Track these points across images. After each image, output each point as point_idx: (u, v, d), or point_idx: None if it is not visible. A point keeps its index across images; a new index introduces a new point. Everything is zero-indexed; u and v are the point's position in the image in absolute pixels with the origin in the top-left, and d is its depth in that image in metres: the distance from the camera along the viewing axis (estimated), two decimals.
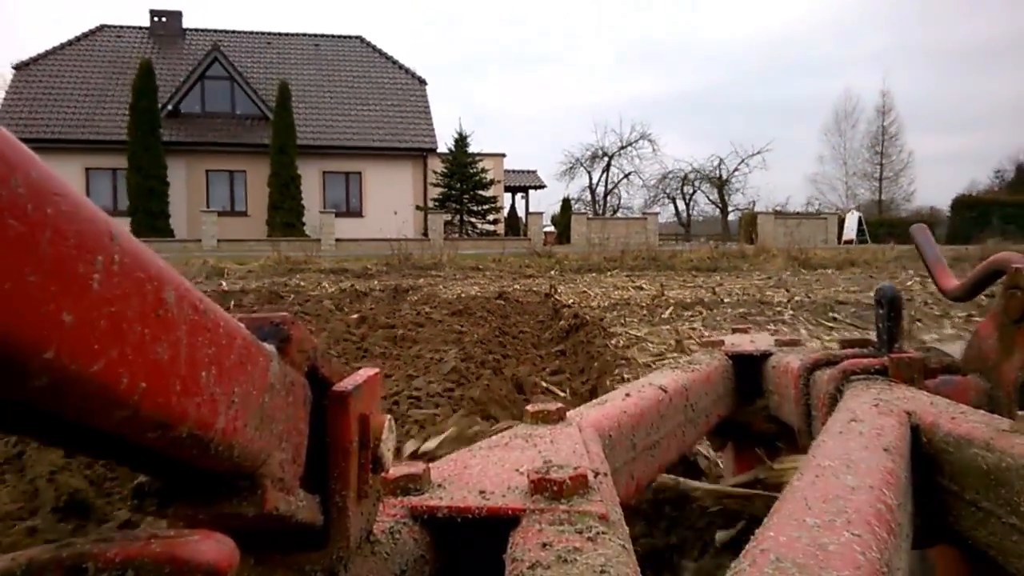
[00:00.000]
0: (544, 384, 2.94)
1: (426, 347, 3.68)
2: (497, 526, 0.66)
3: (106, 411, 0.31)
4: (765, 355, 1.62)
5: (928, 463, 0.93)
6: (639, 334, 4.29)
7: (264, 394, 0.43)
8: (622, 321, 4.91)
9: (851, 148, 51.56)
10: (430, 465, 0.77)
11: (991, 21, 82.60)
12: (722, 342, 1.72)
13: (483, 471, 0.78)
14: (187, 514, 0.44)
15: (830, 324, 4.76)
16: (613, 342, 3.87)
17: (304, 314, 5.40)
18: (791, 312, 5.34)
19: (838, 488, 0.72)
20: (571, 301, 6.38)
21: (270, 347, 0.45)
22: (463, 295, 7.31)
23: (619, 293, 7.45)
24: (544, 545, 0.60)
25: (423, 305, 5.99)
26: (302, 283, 9.75)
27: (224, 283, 9.70)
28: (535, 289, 7.93)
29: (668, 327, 4.61)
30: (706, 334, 4.08)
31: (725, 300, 6.39)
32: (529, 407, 1.01)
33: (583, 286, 8.61)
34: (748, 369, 1.63)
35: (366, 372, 0.58)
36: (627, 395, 1.21)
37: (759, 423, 1.65)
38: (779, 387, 1.52)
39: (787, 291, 7.30)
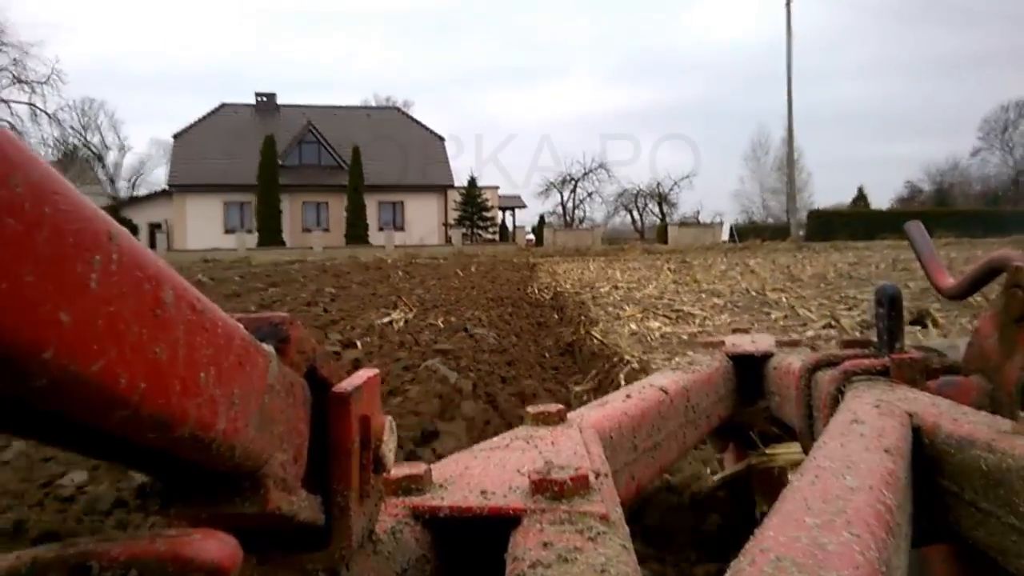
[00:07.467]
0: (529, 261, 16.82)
1: (499, 269, 17.73)
2: (498, 526, 0.67)
3: (106, 411, 0.30)
4: (766, 356, 1.61)
5: (930, 464, 0.93)
6: (550, 264, 18.45)
7: (264, 395, 0.43)
8: (543, 265, 18.99)
9: (764, 170, 66.33)
10: (431, 466, 0.77)
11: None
12: (723, 343, 1.71)
13: (484, 472, 0.78)
14: (189, 514, 0.43)
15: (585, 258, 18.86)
16: (546, 269, 17.72)
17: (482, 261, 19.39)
18: (596, 256, 19.40)
19: (838, 488, 0.71)
20: (533, 263, 20.46)
21: (269, 348, 0.45)
22: (496, 260, 21.29)
23: (550, 262, 21.64)
24: (545, 544, 0.60)
25: (485, 261, 20.05)
26: (433, 260, 23.70)
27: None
28: (522, 261, 22.03)
29: (559, 266, 18.76)
30: (558, 271, 18.16)
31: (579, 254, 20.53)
32: (530, 409, 1.01)
33: (539, 260, 22.70)
34: (749, 370, 1.63)
35: (365, 373, 0.58)
36: (628, 396, 1.20)
37: (760, 424, 1.66)
38: (780, 388, 1.51)
39: (595, 256, 21.48)
